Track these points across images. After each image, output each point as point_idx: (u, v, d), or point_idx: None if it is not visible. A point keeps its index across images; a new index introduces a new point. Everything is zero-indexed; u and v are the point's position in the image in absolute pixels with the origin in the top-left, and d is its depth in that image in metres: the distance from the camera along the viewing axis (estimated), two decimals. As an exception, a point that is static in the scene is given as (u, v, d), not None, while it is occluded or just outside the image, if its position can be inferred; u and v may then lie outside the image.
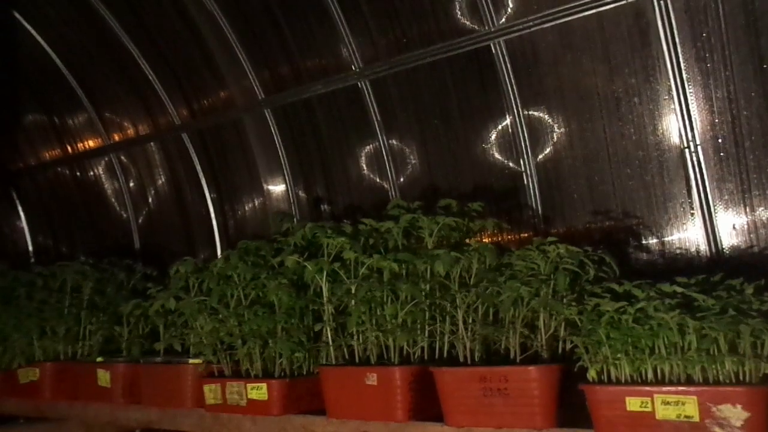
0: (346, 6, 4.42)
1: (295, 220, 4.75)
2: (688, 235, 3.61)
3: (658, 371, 2.07)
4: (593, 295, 2.25)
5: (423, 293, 2.63)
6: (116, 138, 5.96)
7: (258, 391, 2.82)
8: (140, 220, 6.03)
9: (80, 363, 3.62)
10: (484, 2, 3.94)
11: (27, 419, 3.84)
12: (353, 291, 2.72)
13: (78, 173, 6.44)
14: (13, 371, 3.75)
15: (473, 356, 2.56)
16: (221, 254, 5.32)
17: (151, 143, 5.77)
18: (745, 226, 3.43)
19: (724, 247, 3.49)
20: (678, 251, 3.65)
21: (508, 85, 4.03)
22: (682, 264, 3.59)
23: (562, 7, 3.75)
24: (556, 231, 3.93)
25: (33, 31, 5.81)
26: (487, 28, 3.99)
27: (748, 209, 3.42)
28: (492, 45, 4.02)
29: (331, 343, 2.82)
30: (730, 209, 3.46)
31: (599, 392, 2.10)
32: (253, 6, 4.78)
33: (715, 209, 3.49)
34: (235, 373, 3.07)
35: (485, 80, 4.12)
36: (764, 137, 3.36)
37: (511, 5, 3.90)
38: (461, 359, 2.59)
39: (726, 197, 3.48)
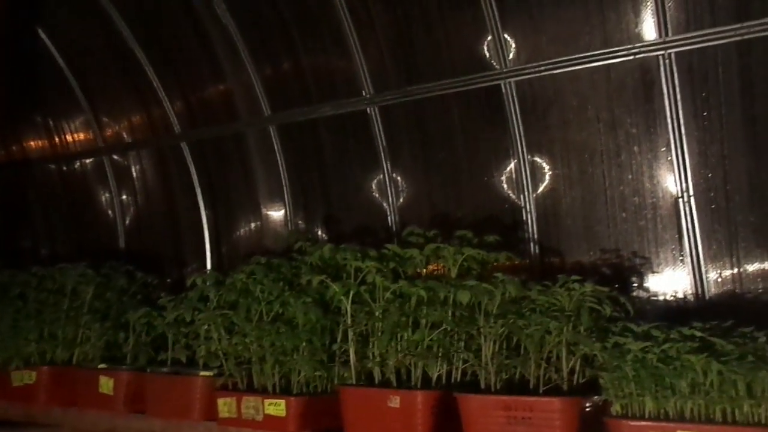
0: (362, 32, 4.51)
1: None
2: (676, 280, 3.79)
3: (679, 409, 2.23)
4: (617, 333, 2.41)
5: (451, 321, 2.74)
6: (111, 140, 5.88)
7: (276, 407, 2.86)
8: (127, 222, 5.94)
9: (82, 368, 3.56)
10: (498, 43, 4.11)
11: (13, 425, 3.72)
12: (379, 315, 2.81)
13: (66, 171, 6.30)
14: (6, 373, 3.64)
15: (495, 385, 2.68)
16: (210, 267, 5.31)
17: (147, 149, 5.72)
18: (730, 277, 3.63)
19: (709, 294, 3.68)
20: (665, 295, 3.83)
21: (515, 124, 4.18)
22: (667, 308, 3.75)
23: (573, 56, 3.94)
24: (551, 264, 4.07)
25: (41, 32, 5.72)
26: (499, 68, 4.15)
27: (734, 260, 3.63)
28: (503, 85, 4.18)
29: (353, 364, 2.89)
30: (718, 260, 3.65)
31: (625, 427, 2.25)
32: (268, 20, 4.82)
33: (703, 258, 3.68)
34: (248, 387, 3.09)
35: (493, 118, 4.27)
36: (751, 195, 3.57)
37: (524, 48, 4.08)
38: (482, 387, 2.71)
39: (714, 247, 3.67)
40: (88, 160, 6.13)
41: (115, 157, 5.93)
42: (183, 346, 3.28)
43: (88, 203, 6.15)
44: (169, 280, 5.17)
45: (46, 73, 5.92)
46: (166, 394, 3.22)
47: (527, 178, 4.18)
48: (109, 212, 6.05)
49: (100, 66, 5.69)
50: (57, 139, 6.29)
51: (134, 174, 5.86)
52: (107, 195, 6.05)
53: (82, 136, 6.11)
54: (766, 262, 3.50)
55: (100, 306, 3.79)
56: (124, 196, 5.96)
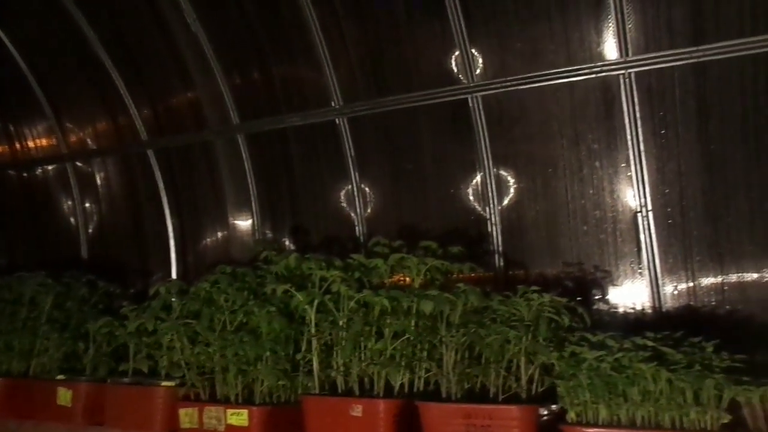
0: (332, 44, 4.55)
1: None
2: (634, 292, 3.89)
3: (631, 416, 2.30)
4: (574, 343, 2.47)
5: (414, 330, 2.77)
6: (75, 147, 5.79)
7: (238, 417, 2.84)
8: (90, 230, 5.84)
9: (39, 380, 3.47)
10: (465, 58, 4.19)
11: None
12: (343, 324, 2.82)
13: (27, 178, 6.17)
14: (-42, 386, 3.53)
15: (456, 393, 2.71)
16: (175, 277, 5.25)
17: (112, 156, 5.64)
18: (686, 290, 3.74)
19: (666, 306, 3.80)
20: (624, 307, 3.93)
21: (482, 138, 4.26)
22: (626, 319, 3.85)
23: (538, 73, 4.04)
24: (515, 276, 4.14)
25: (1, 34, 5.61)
26: (466, 82, 4.23)
27: (689, 274, 3.75)
28: (470, 99, 4.26)
29: (317, 373, 2.89)
30: (674, 273, 3.76)
31: (580, 434, 2.31)
32: (238, 29, 4.83)
33: (661, 271, 3.80)
34: (210, 398, 3.06)
35: (460, 131, 4.34)
36: (706, 211, 3.70)
37: (491, 64, 4.17)
38: (444, 395, 2.74)
39: (671, 261, 3.79)
40: (50, 167, 6.02)
41: (78, 163, 5.83)
42: (145, 356, 3.23)
43: (49, 211, 6.03)
44: (132, 291, 5.09)
45: (6, 76, 5.80)
46: (127, 406, 3.17)
47: (493, 190, 4.26)
48: (72, 220, 5.94)
49: (65, 70, 5.61)
50: (18, 145, 6.16)
51: (98, 181, 5.77)
52: (70, 203, 5.94)
53: (44, 141, 6.00)
54: (719, 276, 3.62)
55: (59, 316, 3.71)
56: (87, 204, 5.86)
